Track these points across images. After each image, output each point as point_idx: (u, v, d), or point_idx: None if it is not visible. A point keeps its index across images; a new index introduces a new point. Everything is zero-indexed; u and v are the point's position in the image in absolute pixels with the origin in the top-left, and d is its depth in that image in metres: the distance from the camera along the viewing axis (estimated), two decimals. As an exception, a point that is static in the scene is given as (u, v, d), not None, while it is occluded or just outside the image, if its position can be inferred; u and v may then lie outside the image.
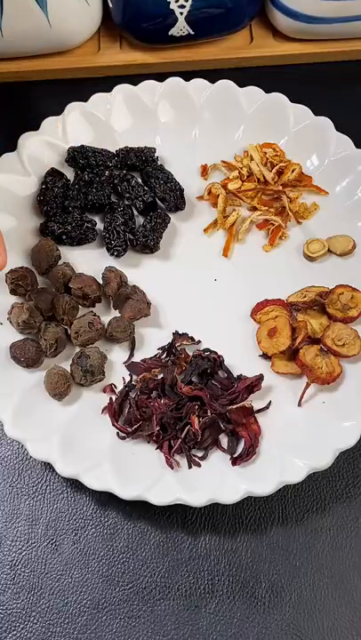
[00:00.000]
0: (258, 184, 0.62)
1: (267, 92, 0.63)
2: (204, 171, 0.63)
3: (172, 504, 0.48)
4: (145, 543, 0.51)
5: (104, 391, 0.54)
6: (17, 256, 0.58)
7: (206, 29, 0.67)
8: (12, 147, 0.62)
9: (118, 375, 0.55)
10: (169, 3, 0.63)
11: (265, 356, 0.55)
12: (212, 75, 0.65)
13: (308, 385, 0.53)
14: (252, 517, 0.52)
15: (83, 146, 0.62)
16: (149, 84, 0.64)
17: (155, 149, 0.62)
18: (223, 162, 0.63)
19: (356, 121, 0.66)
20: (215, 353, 0.54)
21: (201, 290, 0.59)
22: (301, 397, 0.53)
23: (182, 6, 0.64)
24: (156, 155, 0.62)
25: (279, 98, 0.63)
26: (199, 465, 0.50)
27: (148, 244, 0.58)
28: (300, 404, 0.53)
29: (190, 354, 0.55)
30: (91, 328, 0.54)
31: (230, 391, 0.52)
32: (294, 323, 0.55)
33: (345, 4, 0.65)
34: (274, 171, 0.61)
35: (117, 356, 0.56)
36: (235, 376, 0.54)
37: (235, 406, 0.51)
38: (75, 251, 0.59)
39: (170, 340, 0.55)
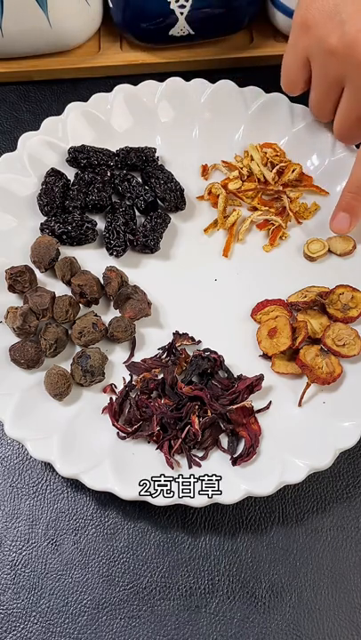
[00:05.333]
0: (258, 184, 0.62)
1: (267, 92, 0.63)
2: (205, 171, 0.63)
3: (173, 504, 0.48)
4: (145, 543, 0.51)
5: (104, 391, 0.54)
6: (17, 256, 0.58)
7: (206, 29, 0.67)
8: (12, 147, 0.62)
9: (118, 375, 0.55)
10: (169, 3, 0.63)
11: (265, 355, 0.55)
12: (212, 75, 0.66)
13: (308, 385, 0.53)
14: (252, 517, 0.52)
15: (84, 146, 0.62)
16: (149, 83, 0.64)
17: (155, 149, 0.62)
18: (223, 162, 0.63)
19: (357, 121, 0.66)
20: (215, 353, 0.54)
21: (201, 290, 0.59)
22: (302, 398, 0.53)
23: (182, 6, 0.64)
24: (156, 155, 0.62)
25: (279, 98, 0.63)
26: (199, 465, 0.50)
27: (148, 244, 0.58)
28: (300, 405, 0.53)
29: (190, 354, 0.55)
30: (95, 329, 0.54)
31: (231, 391, 0.52)
32: (295, 323, 0.55)
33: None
34: (274, 171, 0.61)
35: (118, 355, 0.56)
36: (235, 376, 0.54)
37: (235, 406, 0.51)
38: (75, 251, 0.59)
39: (170, 340, 0.55)
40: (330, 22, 0.44)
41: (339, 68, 0.46)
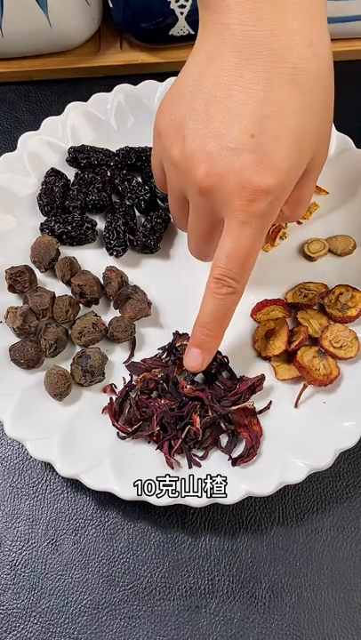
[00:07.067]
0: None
1: (267, 92, 0.63)
2: (205, 171, 0.63)
3: (173, 504, 0.48)
4: (145, 543, 0.51)
5: (104, 391, 0.54)
6: (17, 256, 0.58)
7: (206, 29, 0.67)
8: (12, 147, 0.62)
9: (118, 375, 0.55)
10: (169, 3, 0.63)
11: (260, 354, 0.55)
12: (212, 75, 0.65)
13: (304, 386, 0.53)
14: (252, 517, 0.52)
15: (84, 145, 0.62)
16: (149, 83, 0.64)
17: (155, 149, 0.62)
18: (223, 162, 0.63)
19: (357, 121, 0.66)
20: (220, 353, 0.54)
21: (201, 290, 0.58)
22: (298, 399, 0.53)
23: (182, 6, 0.64)
24: (156, 155, 0.62)
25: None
26: (199, 465, 0.50)
27: (148, 244, 0.58)
28: (296, 406, 0.53)
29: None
30: (95, 329, 0.54)
31: (233, 392, 0.52)
32: (295, 327, 0.55)
33: (344, 3, 0.65)
34: (274, 171, 0.61)
35: (118, 355, 0.56)
36: (237, 377, 0.54)
37: (235, 407, 0.51)
38: (75, 251, 0.59)
39: (170, 340, 0.55)
40: (175, 134, 0.44)
41: (179, 181, 0.46)
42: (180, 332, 0.56)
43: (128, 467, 0.50)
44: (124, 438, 0.51)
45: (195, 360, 0.49)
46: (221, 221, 0.45)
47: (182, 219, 0.50)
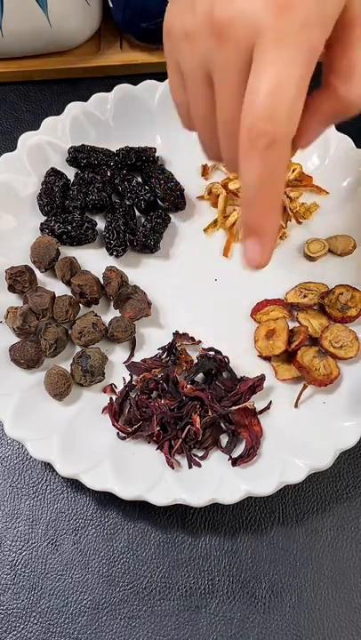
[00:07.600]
0: (258, 184, 0.62)
1: (267, 91, 0.63)
2: (205, 170, 0.63)
3: (173, 504, 0.48)
4: (145, 543, 0.51)
5: (104, 391, 0.54)
6: (17, 256, 0.58)
7: (206, 29, 0.67)
8: (12, 147, 0.62)
9: (118, 375, 0.55)
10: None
11: (260, 355, 0.55)
12: (213, 75, 0.65)
13: (305, 386, 0.53)
14: (252, 517, 0.52)
15: (84, 145, 0.62)
16: (149, 83, 0.64)
17: (155, 149, 0.62)
18: (223, 162, 0.63)
19: (357, 121, 0.66)
20: (220, 353, 0.54)
21: (201, 290, 0.59)
22: (298, 399, 0.53)
23: (182, 6, 0.64)
24: (156, 155, 0.62)
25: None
26: (199, 465, 0.50)
27: (148, 244, 0.58)
28: (296, 406, 0.53)
29: (190, 354, 0.55)
30: (95, 329, 0.54)
31: (233, 393, 0.52)
32: (296, 328, 0.55)
33: (345, 3, 0.65)
34: (274, 171, 0.61)
35: (118, 355, 0.56)
36: (238, 377, 0.54)
37: (236, 407, 0.51)
38: (75, 251, 0.59)
39: (170, 340, 0.55)
40: (184, 13, 0.36)
41: (195, 52, 0.36)
42: (180, 332, 0.56)
43: (128, 467, 0.50)
44: (124, 438, 0.51)
45: (253, 252, 0.37)
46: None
47: (210, 115, 0.38)
